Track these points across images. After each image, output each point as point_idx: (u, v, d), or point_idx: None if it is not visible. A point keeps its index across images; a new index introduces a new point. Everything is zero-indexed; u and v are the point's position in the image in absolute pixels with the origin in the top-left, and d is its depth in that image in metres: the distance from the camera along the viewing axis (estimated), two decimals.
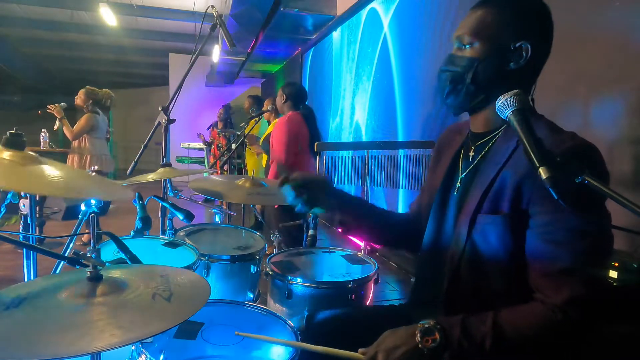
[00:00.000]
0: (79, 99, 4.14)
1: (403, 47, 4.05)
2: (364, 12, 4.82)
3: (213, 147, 6.40)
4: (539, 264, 0.86)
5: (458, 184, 1.06)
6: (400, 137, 4.01)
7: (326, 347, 0.93)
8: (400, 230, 1.26)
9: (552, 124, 0.93)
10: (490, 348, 0.82)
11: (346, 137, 5.43)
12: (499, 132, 0.99)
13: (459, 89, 0.98)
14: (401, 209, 4.07)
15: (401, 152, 2.95)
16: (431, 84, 3.46)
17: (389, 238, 1.28)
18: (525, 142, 0.73)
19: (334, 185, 1.15)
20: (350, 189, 5.04)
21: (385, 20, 4.35)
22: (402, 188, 2.97)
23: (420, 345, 0.85)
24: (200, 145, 7.38)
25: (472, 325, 0.85)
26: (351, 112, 5.23)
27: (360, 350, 0.91)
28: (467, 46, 0.97)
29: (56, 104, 4.07)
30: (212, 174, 4.77)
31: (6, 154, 0.94)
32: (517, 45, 0.93)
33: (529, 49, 0.93)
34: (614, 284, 1.22)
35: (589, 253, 0.82)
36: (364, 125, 4.86)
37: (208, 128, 6.66)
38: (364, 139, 4.86)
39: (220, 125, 6.32)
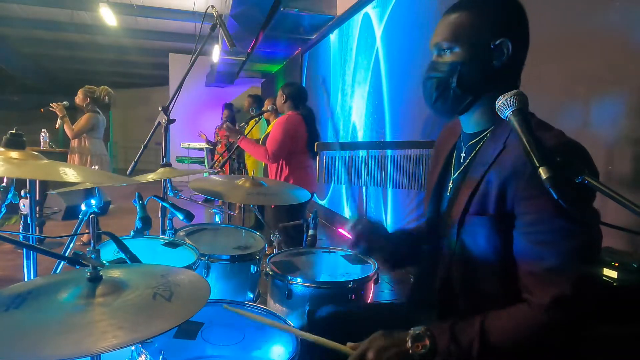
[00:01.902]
0: (78, 98, 4.15)
1: (397, 49, 4.10)
2: (360, 15, 4.87)
3: (220, 146, 6.37)
4: (525, 263, 0.87)
5: (450, 185, 1.07)
6: (399, 138, 4.04)
7: (317, 337, 0.94)
8: None
9: (541, 122, 0.94)
10: (478, 352, 0.83)
11: (343, 137, 5.46)
12: (488, 132, 1.00)
13: (446, 95, 0.98)
14: (392, 207, 4.13)
15: (400, 152, 2.95)
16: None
17: None
18: (525, 142, 0.73)
19: (384, 231, 1.21)
20: (348, 188, 5.08)
21: (379, 26, 4.40)
22: (402, 188, 2.97)
23: (410, 351, 0.86)
24: (200, 145, 7.36)
25: (460, 331, 0.86)
26: (348, 113, 5.26)
27: (349, 344, 0.92)
28: (448, 52, 0.97)
29: (58, 103, 4.08)
30: (215, 173, 4.76)
31: (8, 154, 0.95)
32: (497, 43, 0.94)
33: (510, 45, 0.93)
34: (614, 284, 1.22)
35: (575, 251, 0.82)
36: (361, 126, 4.89)
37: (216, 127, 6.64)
38: (360, 139, 4.89)
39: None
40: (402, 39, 3.98)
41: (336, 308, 1.20)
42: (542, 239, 0.84)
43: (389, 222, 4.17)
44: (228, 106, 6.34)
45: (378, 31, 4.43)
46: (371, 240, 1.16)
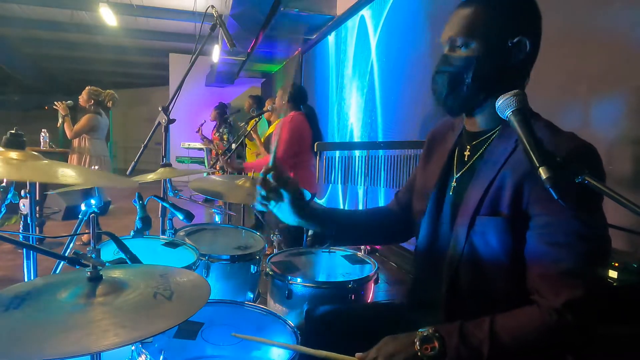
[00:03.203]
0: (82, 99, 4.16)
1: (391, 51, 4.15)
2: (357, 18, 4.91)
3: (214, 149, 6.34)
4: (538, 265, 0.86)
5: (453, 184, 1.04)
6: (393, 139, 4.09)
7: (325, 352, 0.93)
8: (389, 227, 1.26)
9: (551, 124, 0.93)
10: (488, 354, 0.82)
11: (342, 138, 5.50)
12: (495, 131, 0.98)
13: (458, 90, 0.96)
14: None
15: (401, 152, 2.95)
16: (421, 83, 3.52)
17: (378, 238, 1.29)
18: (525, 142, 0.72)
19: (311, 203, 1.12)
20: (349, 189, 5.10)
21: (374, 29, 4.45)
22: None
23: (419, 354, 0.85)
24: (200, 145, 7.34)
25: (469, 332, 0.84)
26: (346, 114, 5.29)
27: (357, 355, 0.91)
28: (462, 46, 0.95)
29: (62, 102, 4.09)
30: (210, 174, 4.77)
31: (8, 154, 0.95)
32: (515, 40, 0.92)
33: (527, 44, 0.92)
34: (614, 284, 1.22)
35: (589, 255, 0.81)
36: (358, 126, 4.91)
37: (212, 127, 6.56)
38: (357, 140, 4.92)
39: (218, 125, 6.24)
40: (397, 42, 4.03)
41: (334, 307, 1.19)
42: (556, 241, 0.83)
43: None
44: (218, 107, 6.24)
45: (373, 34, 4.48)
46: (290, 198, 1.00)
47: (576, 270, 0.81)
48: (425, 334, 0.86)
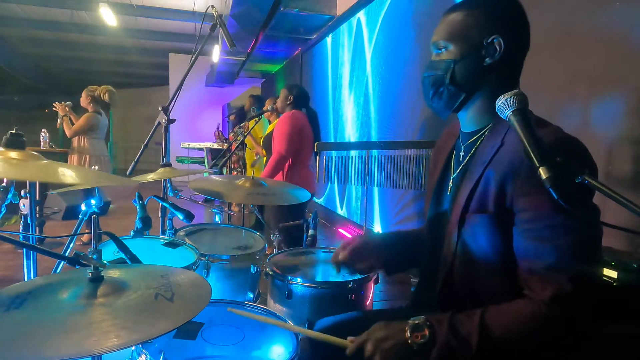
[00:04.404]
0: (81, 99, 4.16)
1: (387, 53, 4.18)
2: (355, 19, 4.92)
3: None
4: (525, 261, 0.87)
5: (450, 184, 1.07)
6: (392, 139, 4.11)
7: (318, 333, 0.95)
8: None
9: (537, 118, 0.94)
10: (477, 344, 0.83)
11: (338, 138, 5.52)
12: (486, 130, 1.00)
13: (440, 92, 1.00)
14: (379, 205, 4.15)
15: (402, 152, 2.95)
16: (417, 84, 3.54)
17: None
18: (525, 142, 0.73)
19: (374, 239, 1.23)
20: (350, 188, 5.12)
21: (370, 30, 4.47)
22: (402, 188, 2.98)
23: (409, 341, 0.86)
24: (200, 145, 7.34)
25: (459, 323, 0.86)
26: (343, 114, 5.29)
27: (349, 338, 0.93)
28: (443, 50, 1.00)
29: (62, 102, 4.10)
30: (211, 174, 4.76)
31: (8, 154, 0.95)
32: (490, 40, 0.94)
33: (502, 43, 0.94)
34: (614, 284, 1.22)
35: (574, 248, 0.82)
36: (356, 127, 4.92)
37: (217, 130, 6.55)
38: (353, 140, 4.94)
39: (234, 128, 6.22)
40: (393, 42, 4.06)
41: (335, 318, 1.19)
42: (540, 236, 0.84)
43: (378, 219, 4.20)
44: (237, 111, 6.21)
45: (370, 35, 4.51)
46: (357, 262, 1.20)
47: (561, 264, 0.81)
48: (416, 322, 0.88)
